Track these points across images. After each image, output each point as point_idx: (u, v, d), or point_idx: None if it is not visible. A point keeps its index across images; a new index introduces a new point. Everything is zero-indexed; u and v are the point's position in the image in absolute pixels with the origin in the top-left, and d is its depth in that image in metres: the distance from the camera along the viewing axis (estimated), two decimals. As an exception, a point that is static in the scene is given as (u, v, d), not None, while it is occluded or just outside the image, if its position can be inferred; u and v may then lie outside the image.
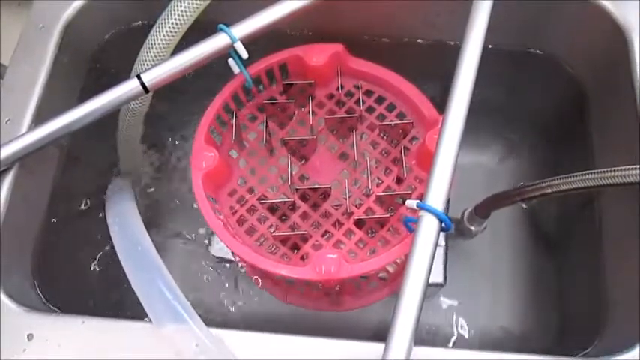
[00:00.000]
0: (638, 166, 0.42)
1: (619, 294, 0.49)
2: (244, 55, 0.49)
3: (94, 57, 0.60)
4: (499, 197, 0.51)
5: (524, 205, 0.52)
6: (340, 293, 0.57)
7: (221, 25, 0.48)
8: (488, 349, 0.60)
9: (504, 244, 0.66)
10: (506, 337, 0.62)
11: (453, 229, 0.59)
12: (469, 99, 0.45)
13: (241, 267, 0.63)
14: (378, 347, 0.42)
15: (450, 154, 0.44)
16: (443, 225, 0.42)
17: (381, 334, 0.61)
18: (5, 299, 0.44)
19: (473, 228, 0.57)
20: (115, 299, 0.58)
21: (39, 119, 0.51)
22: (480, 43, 0.47)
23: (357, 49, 0.56)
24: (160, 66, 0.48)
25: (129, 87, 0.48)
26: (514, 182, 0.67)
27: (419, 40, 0.61)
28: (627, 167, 0.43)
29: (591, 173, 0.44)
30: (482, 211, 0.54)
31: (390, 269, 0.55)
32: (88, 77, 0.59)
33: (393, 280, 0.57)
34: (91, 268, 0.59)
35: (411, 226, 0.47)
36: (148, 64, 0.52)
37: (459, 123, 0.45)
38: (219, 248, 0.61)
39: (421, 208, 0.42)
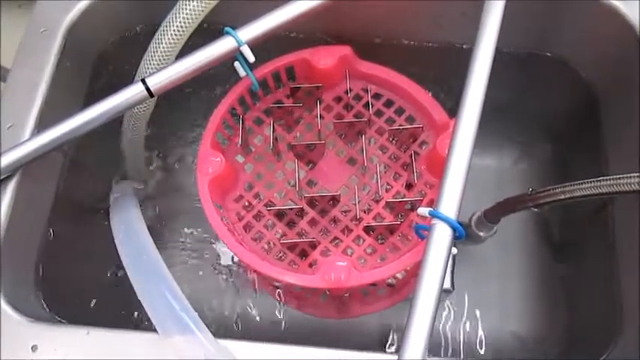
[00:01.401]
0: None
1: (634, 301, 0.48)
2: (251, 58, 0.48)
3: (97, 61, 0.58)
4: (510, 202, 0.50)
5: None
6: (348, 300, 0.56)
7: (227, 29, 0.47)
8: (499, 356, 0.60)
9: (514, 248, 0.65)
10: (516, 343, 0.61)
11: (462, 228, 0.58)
12: (482, 103, 0.44)
13: (246, 273, 0.62)
14: (388, 358, 0.41)
15: (462, 160, 0.43)
16: (456, 233, 0.41)
17: (387, 340, 0.61)
18: (8, 310, 0.43)
19: (482, 234, 0.56)
20: (120, 309, 0.57)
21: (42, 125, 0.50)
22: (493, 45, 0.46)
23: (366, 51, 0.55)
24: (164, 70, 0.47)
25: (133, 91, 0.47)
26: (524, 186, 0.66)
27: (428, 43, 0.60)
28: (644, 174, 0.42)
29: (606, 179, 0.43)
30: (492, 216, 0.53)
31: (399, 276, 0.54)
32: (92, 81, 0.58)
33: (401, 288, 0.57)
34: (97, 277, 0.58)
35: (422, 233, 0.46)
36: (152, 68, 0.51)
37: (472, 128, 0.44)
38: (226, 255, 0.60)
39: (433, 215, 0.41)
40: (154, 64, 0.51)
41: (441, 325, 0.62)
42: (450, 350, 0.61)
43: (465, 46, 0.59)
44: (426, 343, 0.37)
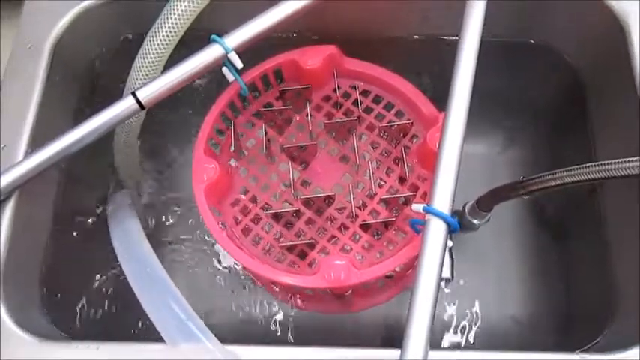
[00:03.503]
0: (643, 158, 0.43)
1: (627, 283, 0.49)
2: (239, 65, 0.48)
3: (85, 72, 0.58)
4: (502, 191, 0.51)
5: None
6: (350, 295, 0.57)
7: (214, 36, 0.48)
8: (499, 340, 0.61)
9: (509, 233, 0.66)
10: (515, 326, 0.62)
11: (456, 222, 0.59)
12: (469, 96, 0.45)
13: (247, 275, 0.63)
14: (393, 354, 0.42)
15: (453, 155, 0.44)
16: (450, 227, 0.42)
17: (389, 330, 0.62)
18: (18, 330, 0.43)
19: (476, 222, 0.57)
20: (126, 319, 0.58)
21: (35, 142, 0.50)
22: (477, 38, 0.46)
23: (352, 48, 0.55)
24: (154, 82, 0.47)
25: (125, 105, 0.47)
26: (514, 172, 0.67)
27: (414, 36, 0.60)
28: (632, 159, 0.43)
29: (595, 165, 0.44)
30: (485, 204, 0.54)
31: (397, 268, 0.55)
32: (81, 94, 0.58)
33: (400, 279, 0.58)
34: (101, 291, 0.58)
35: (417, 227, 0.47)
36: (141, 78, 0.51)
37: (461, 123, 0.44)
38: (226, 259, 0.61)
39: (427, 212, 0.42)
40: (142, 75, 0.51)
41: (441, 312, 0.63)
42: (452, 336, 0.62)
43: (450, 38, 0.59)
44: (428, 337, 0.38)
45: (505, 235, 0.65)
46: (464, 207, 0.57)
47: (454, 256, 0.62)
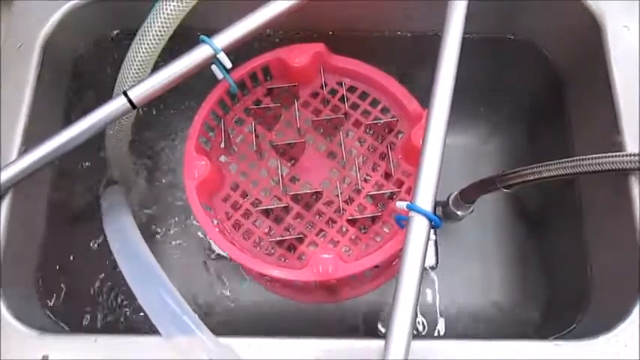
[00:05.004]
0: (617, 154, 0.45)
1: (602, 271, 0.51)
2: (228, 65, 0.49)
3: (75, 71, 0.59)
4: (482, 184, 0.53)
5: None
6: (337, 286, 0.59)
7: (203, 37, 0.48)
8: (482, 324, 0.63)
9: (492, 223, 0.68)
10: (498, 312, 0.64)
11: (441, 212, 0.61)
12: (451, 95, 0.46)
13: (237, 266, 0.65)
14: (378, 344, 0.44)
15: (435, 153, 0.45)
16: (432, 223, 0.44)
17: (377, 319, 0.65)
18: (17, 324, 0.45)
19: (459, 212, 0.59)
20: (122, 311, 0.60)
21: (28, 140, 0.51)
22: (459, 36, 0.47)
23: (339, 45, 0.56)
24: (145, 81, 0.48)
25: (116, 105, 0.48)
26: (496, 163, 0.69)
27: (399, 33, 0.62)
28: (606, 155, 0.45)
29: (571, 161, 0.46)
30: (467, 196, 0.56)
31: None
32: (72, 92, 0.58)
33: (386, 269, 0.60)
34: (97, 284, 0.60)
35: (402, 223, 0.49)
36: (131, 77, 0.51)
37: (442, 122, 0.45)
38: (216, 252, 0.63)
39: (411, 209, 0.44)
40: (132, 74, 0.51)
41: (425, 299, 0.65)
42: (434, 322, 0.64)
43: (434, 34, 0.61)
44: (411, 324, 0.40)
45: (488, 225, 0.68)
46: (448, 198, 0.59)
47: (438, 244, 0.64)
